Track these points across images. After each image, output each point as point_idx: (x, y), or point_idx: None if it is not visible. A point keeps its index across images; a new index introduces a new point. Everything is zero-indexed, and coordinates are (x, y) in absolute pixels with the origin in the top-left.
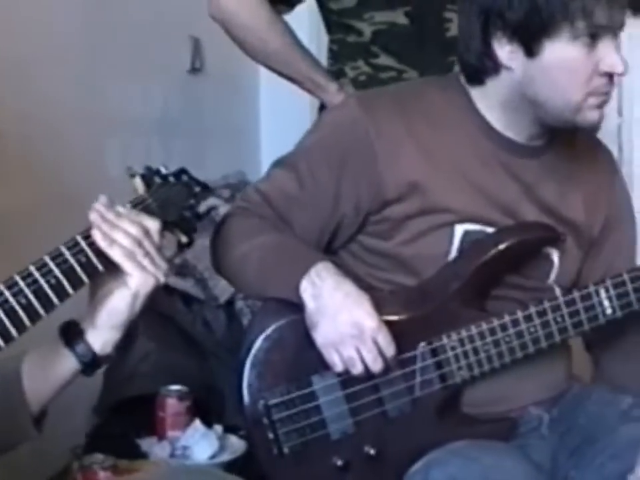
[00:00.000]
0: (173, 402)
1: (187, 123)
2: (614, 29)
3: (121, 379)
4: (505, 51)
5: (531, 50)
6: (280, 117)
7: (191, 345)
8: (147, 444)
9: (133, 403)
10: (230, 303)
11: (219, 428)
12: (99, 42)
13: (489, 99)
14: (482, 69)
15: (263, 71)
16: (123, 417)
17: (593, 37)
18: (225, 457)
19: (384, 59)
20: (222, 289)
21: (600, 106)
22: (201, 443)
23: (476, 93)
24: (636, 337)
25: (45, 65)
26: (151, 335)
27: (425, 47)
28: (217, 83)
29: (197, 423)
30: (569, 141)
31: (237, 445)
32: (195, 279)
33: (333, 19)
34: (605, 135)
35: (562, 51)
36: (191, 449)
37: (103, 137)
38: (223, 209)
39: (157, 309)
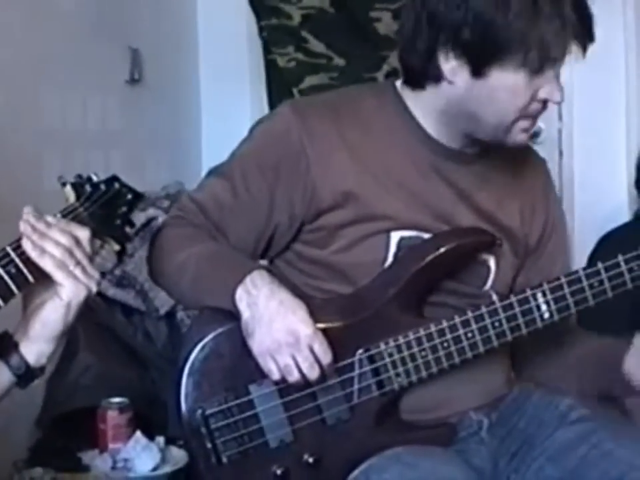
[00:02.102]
0: (114, 414)
1: (126, 133)
2: (562, 61)
3: (63, 392)
4: (450, 65)
5: (478, 71)
6: (221, 128)
7: (132, 357)
8: (89, 457)
9: (75, 415)
10: (171, 314)
11: (160, 439)
12: (36, 52)
13: (425, 106)
14: (423, 74)
15: (204, 82)
16: (65, 430)
17: (539, 68)
18: (167, 469)
19: (314, 44)
20: (162, 299)
21: (528, 129)
22: (143, 455)
23: (412, 99)
24: (556, 342)
25: None
26: (92, 348)
27: (354, 39)
28: (157, 93)
29: (139, 434)
30: (502, 149)
31: (179, 456)
32: (135, 290)
33: (262, 4)
34: (546, 140)
35: (508, 76)
36: (133, 461)
37: (40, 149)
38: (163, 219)
39: (97, 321)
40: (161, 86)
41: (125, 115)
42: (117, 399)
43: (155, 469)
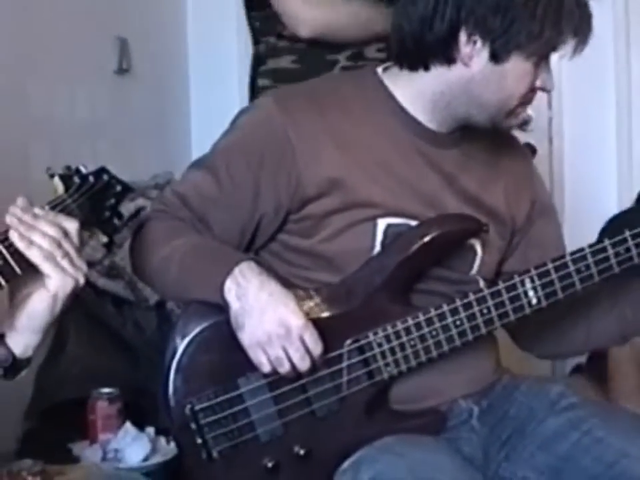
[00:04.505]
0: (103, 405)
1: (114, 124)
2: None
3: (52, 383)
4: (470, 48)
5: (497, 57)
6: (210, 117)
7: (122, 347)
8: (79, 448)
9: (64, 407)
10: (160, 304)
11: (151, 430)
12: (24, 43)
13: (415, 88)
14: (435, 54)
15: (193, 71)
16: (55, 422)
17: (546, 56)
18: (158, 459)
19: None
20: (151, 290)
21: (522, 114)
22: (133, 446)
23: (396, 84)
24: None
25: None
26: (82, 338)
27: None
28: (145, 83)
29: (128, 425)
30: (484, 133)
31: (168, 446)
32: (124, 280)
33: None
34: (536, 129)
35: (521, 64)
36: (123, 452)
37: (28, 139)
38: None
39: (87, 312)
40: (150, 76)
41: (114, 105)
42: (106, 390)
43: (145, 459)
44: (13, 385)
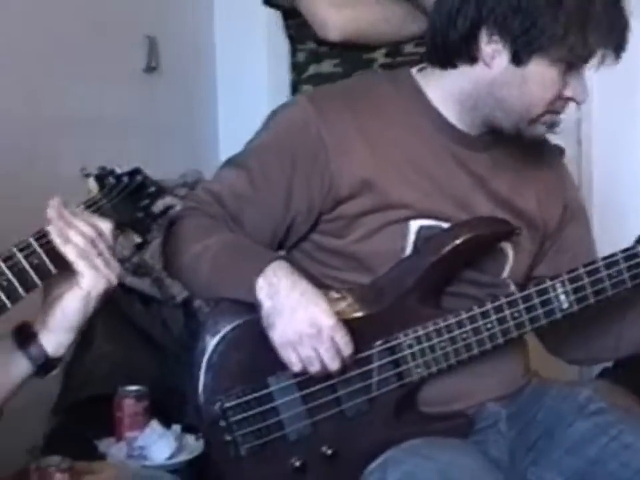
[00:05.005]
0: (130, 402)
1: (143, 122)
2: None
3: (79, 380)
4: (491, 48)
5: (518, 59)
6: (238, 115)
7: (149, 345)
8: (105, 445)
9: (91, 403)
10: (187, 302)
11: (177, 428)
12: (53, 41)
13: (446, 90)
14: (458, 52)
15: (220, 70)
16: (81, 418)
17: (575, 64)
18: (183, 457)
19: None
20: (179, 288)
21: (549, 124)
22: (159, 444)
23: (429, 84)
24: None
25: None
26: (109, 335)
27: None
28: (173, 81)
29: (155, 423)
30: (517, 137)
31: (194, 444)
32: (151, 278)
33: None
34: (565, 130)
35: (544, 69)
36: (149, 450)
37: (57, 138)
38: (177, 210)
39: (114, 309)
40: (178, 74)
41: (142, 104)
42: (133, 387)
43: (170, 457)
44: (41, 380)
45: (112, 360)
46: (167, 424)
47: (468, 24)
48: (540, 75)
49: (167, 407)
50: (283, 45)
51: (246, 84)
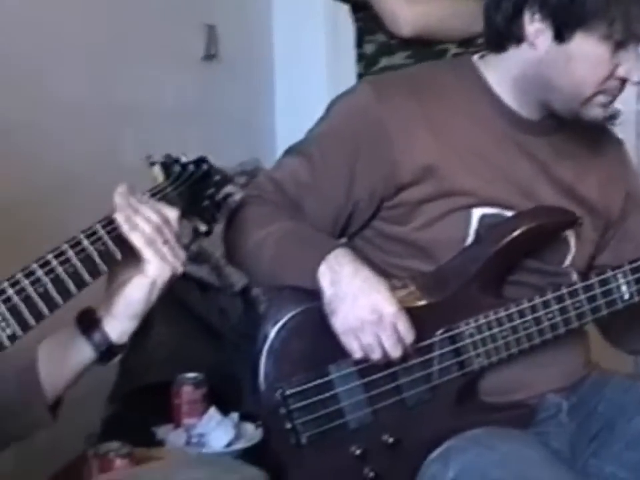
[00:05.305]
0: (189, 389)
1: (201, 110)
2: None
3: (137, 367)
4: (534, 27)
5: (561, 36)
6: (295, 103)
7: (207, 333)
8: (163, 432)
9: (148, 390)
10: (246, 290)
11: (234, 415)
12: (113, 30)
13: (503, 74)
14: (506, 34)
15: (278, 58)
16: (138, 405)
17: (622, 42)
18: (241, 445)
19: None
20: (237, 276)
21: (606, 105)
22: (217, 431)
23: (490, 70)
24: None
25: (58, 55)
26: (167, 323)
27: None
28: (232, 70)
29: (213, 410)
30: (577, 122)
31: (252, 432)
32: (210, 266)
33: None
34: (624, 122)
35: (590, 46)
36: (207, 437)
37: (116, 127)
38: (239, 196)
39: (173, 296)
40: (236, 62)
41: (201, 92)
42: (192, 375)
43: (229, 444)
44: (96, 368)
45: (170, 347)
46: (224, 412)
47: (511, 5)
48: (585, 52)
49: (224, 395)
50: (341, 34)
51: (303, 72)
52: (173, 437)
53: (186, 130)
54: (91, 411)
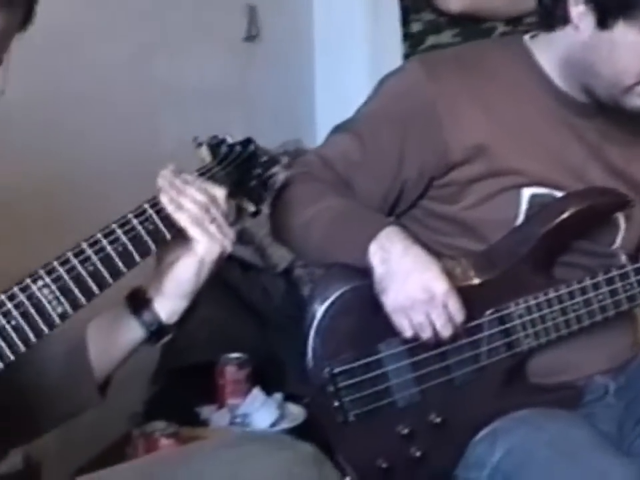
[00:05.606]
0: (232, 369)
1: (242, 91)
2: None
3: (180, 347)
4: (578, 9)
5: (604, 22)
6: (335, 84)
7: (250, 313)
8: (207, 412)
9: (191, 370)
10: (288, 270)
11: (278, 396)
12: (154, 10)
13: (550, 53)
14: (553, 13)
15: (318, 38)
16: (181, 385)
17: None
18: (285, 425)
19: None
20: (280, 256)
21: None
22: (261, 411)
23: (540, 50)
24: None
25: (99, 35)
26: (210, 303)
27: None
28: (273, 50)
29: (257, 390)
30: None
31: (296, 412)
32: (253, 246)
33: None
34: None
35: (634, 36)
36: (251, 417)
37: (157, 108)
38: (282, 175)
39: (216, 276)
40: (277, 43)
41: (242, 72)
42: (235, 355)
43: (272, 425)
44: (140, 347)
45: (213, 327)
46: (267, 392)
47: None
48: (629, 42)
49: (267, 376)
50: (383, 14)
51: (344, 52)
52: (216, 416)
53: (227, 111)
54: (134, 391)
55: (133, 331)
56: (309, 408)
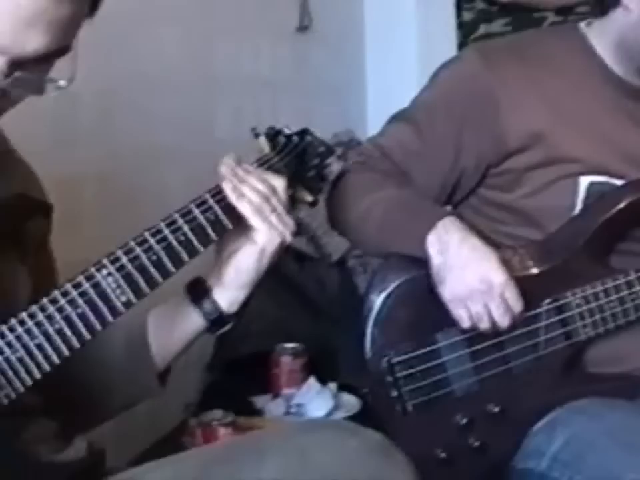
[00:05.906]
0: (287, 359)
1: (295, 81)
2: None
3: (235, 337)
4: None
5: None
6: (386, 74)
7: (304, 303)
8: (262, 401)
9: (246, 360)
10: (342, 261)
11: (333, 386)
12: (208, 2)
13: (605, 38)
14: None
15: (369, 28)
16: (236, 375)
17: None
18: (340, 415)
19: None
20: (334, 247)
21: None
22: (316, 401)
23: (594, 34)
24: None
25: (153, 25)
26: (265, 293)
27: None
28: (324, 40)
29: (312, 380)
30: None
31: (351, 402)
32: (308, 237)
33: None
34: None
35: None
36: (306, 407)
37: (212, 98)
38: (336, 166)
39: (270, 267)
40: (329, 33)
41: (294, 63)
42: (291, 345)
43: (328, 414)
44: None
45: (267, 317)
46: (322, 382)
47: None
48: None
49: (322, 366)
50: (434, 3)
51: (394, 42)
52: (272, 406)
53: (280, 101)
54: (189, 381)
55: (193, 321)
56: (367, 398)
